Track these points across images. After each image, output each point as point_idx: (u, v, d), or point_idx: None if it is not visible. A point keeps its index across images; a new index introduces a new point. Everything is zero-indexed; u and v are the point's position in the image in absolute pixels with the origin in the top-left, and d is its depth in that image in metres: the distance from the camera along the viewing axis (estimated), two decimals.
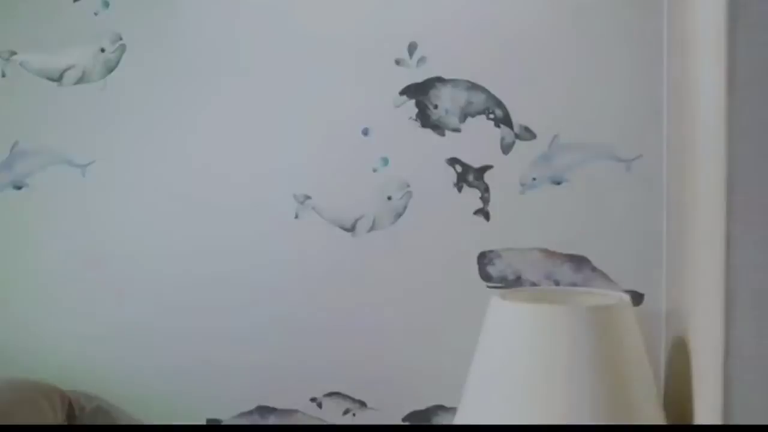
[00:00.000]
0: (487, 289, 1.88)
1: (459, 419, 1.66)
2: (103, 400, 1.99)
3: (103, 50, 1.97)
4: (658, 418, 1.61)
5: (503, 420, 1.58)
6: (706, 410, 1.46)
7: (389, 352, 1.95)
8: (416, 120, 1.92)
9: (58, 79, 1.99)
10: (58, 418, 1.86)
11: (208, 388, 1.98)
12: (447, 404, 1.93)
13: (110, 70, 1.98)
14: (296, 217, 1.95)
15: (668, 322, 1.86)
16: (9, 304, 2.01)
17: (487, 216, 1.91)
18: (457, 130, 1.91)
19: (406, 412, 1.95)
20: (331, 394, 1.96)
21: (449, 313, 1.93)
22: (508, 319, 1.62)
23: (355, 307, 1.95)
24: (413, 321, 1.94)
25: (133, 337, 2.00)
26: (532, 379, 1.58)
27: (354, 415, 1.96)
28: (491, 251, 1.92)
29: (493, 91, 1.89)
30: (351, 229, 1.94)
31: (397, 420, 1.95)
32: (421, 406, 1.95)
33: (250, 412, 1.98)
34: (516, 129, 1.89)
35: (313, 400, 1.97)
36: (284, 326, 1.96)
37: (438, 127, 1.91)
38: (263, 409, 1.97)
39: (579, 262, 1.90)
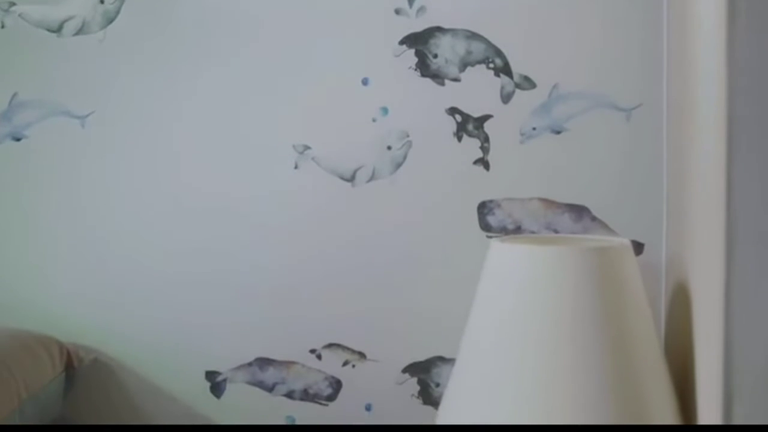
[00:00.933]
0: (487, 239, 1.87)
1: (459, 365, 1.66)
2: (101, 353, 1.99)
3: (102, 1, 1.96)
4: (658, 362, 1.61)
5: (501, 364, 1.58)
6: (707, 356, 1.46)
7: (389, 303, 1.95)
8: (416, 70, 1.91)
9: (58, 30, 1.98)
10: (56, 369, 1.86)
11: (206, 340, 1.98)
12: (446, 355, 1.93)
13: (110, 21, 1.97)
14: (296, 167, 1.95)
15: (668, 271, 1.86)
16: (7, 256, 2.01)
17: (486, 166, 1.91)
18: (456, 79, 1.90)
19: (406, 363, 1.95)
20: (330, 346, 1.96)
21: (449, 264, 1.92)
22: (508, 262, 1.61)
23: (355, 257, 1.95)
24: (413, 271, 1.94)
25: (132, 291, 1.99)
26: (531, 321, 1.58)
27: (353, 366, 1.95)
28: (491, 201, 1.91)
29: (492, 41, 1.89)
30: (351, 179, 1.94)
31: (396, 371, 1.94)
32: (421, 357, 1.95)
33: (249, 364, 1.97)
34: (516, 78, 1.89)
35: (312, 351, 1.96)
36: (283, 277, 1.96)
37: (438, 77, 1.91)
38: (262, 361, 1.97)
39: (579, 211, 1.90)
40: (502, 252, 1.62)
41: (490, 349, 1.61)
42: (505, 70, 1.89)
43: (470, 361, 1.64)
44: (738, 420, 1.35)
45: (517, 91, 1.89)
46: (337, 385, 1.96)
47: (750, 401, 1.35)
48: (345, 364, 1.96)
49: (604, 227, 1.88)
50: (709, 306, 1.43)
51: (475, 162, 1.91)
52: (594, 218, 1.89)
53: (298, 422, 1.97)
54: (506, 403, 1.56)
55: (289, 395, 1.97)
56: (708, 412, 1.46)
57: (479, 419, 1.60)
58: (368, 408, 1.96)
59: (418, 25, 1.91)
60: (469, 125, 1.91)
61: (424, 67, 1.91)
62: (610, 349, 1.55)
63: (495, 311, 1.62)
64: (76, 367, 1.92)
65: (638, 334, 1.59)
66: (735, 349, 1.35)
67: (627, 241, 1.64)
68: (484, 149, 1.91)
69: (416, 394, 1.95)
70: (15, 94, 1.99)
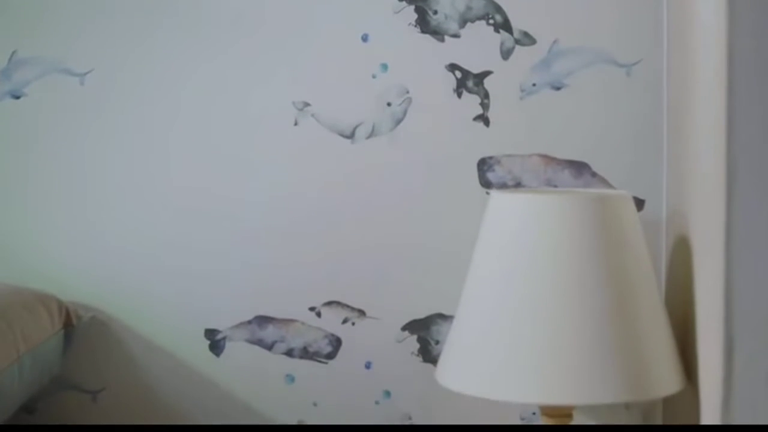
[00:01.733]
0: (487, 195, 1.87)
1: (458, 317, 1.66)
2: (100, 311, 1.99)
3: None
4: (659, 311, 1.61)
5: (501, 314, 1.58)
6: (707, 304, 1.46)
7: (388, 261, 1.94)
8: (415, 26, 1.91)
9: None
10: (55, 326, 1.86)
11: (206, 298, 1.98)
12: (446, 312, 1.93)
13: None
14: (295, 124, 1.94)
15: (669, 226, 1.85)
16: (5, 215, 2.00)
17: (486, 122, 1.91)
18: (456, 35, 1.90)
19: (406, 320, 1.95)
20: (330, 303, 1.96)
21: (449, 220, 1.92)
22: (509, 212, 1.61)
23: (354, 214, 1.94)
24: (412, 228, 1.93)
25: (130, 248, 1.99)
26: (531, 271, 1.57)
27: (353, 324, 1.95)
28: (491, 157, 1.91)
29: None
30: (350, 135, 1.93)
31: (396, 328, 1.94)
32: (421, 314, 1.94)
33: (249, 322, 1.97)
34: (515, 34, 1.89)
35: (312, 309, 1.96)
36: (283, 234, 1.95)
37: (437, 33, 1.90)
38: (261, 319, 1.97)
39: (579, 167, 1.89)
40: (502, 202, 1.62)
41: (490, 299, 1.61)
42: (504, 26, 1.89)
43: (470, 312, 1.64)
44: (738, 365, 1.35)
45: (517, 47, 1.89)
46: (336, 342, 1.96)
47: (750, 347, 1.35)
48: (344, 321, 1.96)
49: (604, 183, 1.88)
50: (709, 256, 1.43)
51: (475, 118, 1.91)
52: (594, 174, 1.89)
53: (298, 380, 1.96)
54: (505, 353, 1.56)
55: (289, 353, 1.97)
56: (709, 359, 1.46)
57: (478, 372, 1.59)
58: (368, 366, 1.95)
59: None
60: (469, 81, 1.90)
61: (423, 24, 1.91)
62: (611, 298, 1.55)
63: (495, 262, 1.61)
64: (75, 325, 1.91)
65: (639, 282, 1.59)
66: (735, 296, 1.36)
67: (627, 193, 1.63)
68: (484, 105, 1.90)
69: (416, 352, 1.95)
70: (14, 52, 1.99)
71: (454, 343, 1.66)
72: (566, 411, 1.67)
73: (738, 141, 1.32)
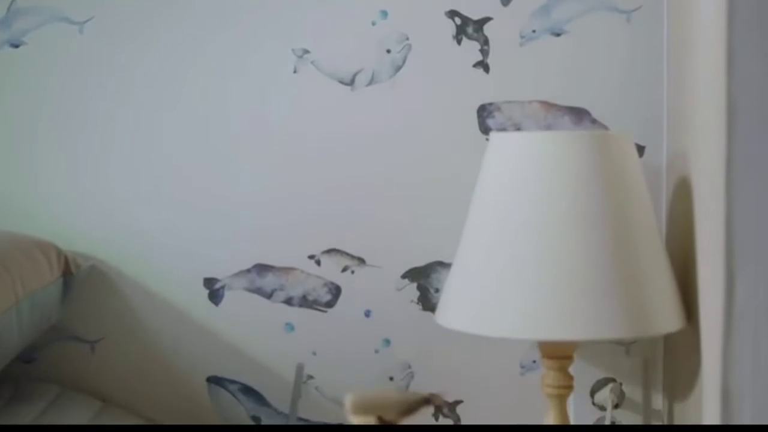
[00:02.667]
0: (487, 142, 1.86)
1: (458, 257, 1.66)
2: (99, 260, 1.98)
3: None
4: (659, 251, 1.61)
5: (499, 254, 1.57)
6: (708, 241, 1.46)
7: (388, 208, 1.94)
8: None
9: None
10: (54, 273, 1.86)
11: (205, 247, 1.97)
12: (446, 260, 1.93)
13: None
14: (295, 71, 1.94)
15: (669, 173, 1.85)
16: (6, 163, 2.00)
17: (486, 68, 1.90)
18: None
19: (405, 268, 1.94)
20: (329, 251, 1.95)
21: (449, 167, 1.92)
22: (508, 151, 1.61)
23: (354, 161, 1.94)
24: (412, 175, 1.93)
25: (130, 197, 1.98)
26: (530, 210, 1.57)
27: (353, 272, 1.95)
28: (491, 104, 1.91)
29: None
30: (350, 83, 1.93)
31: (395, 277, 1.94)
32: (421, 262, 1.94)
33: (248, 271, 1.97)
34: None
35: (311, 257, 1.96)
36: (282, 183, 1.95)
37: None
38: (261, 267, 1.96)
39: (579, 114, 1.89)
40: (502, 142, 1.62)
41: (489, 237, 1.61)
42: None
43: (469, 251, 1.64)
44: (739, 300, 1.35)
45: None
46: (336, 291, 1.96)
47: (750, 280, 1.35)
48: (344, 269, 1.95)
49: (604, 130, 1.88)
50: (710, 194, 1.43)
51: (475, 65, 1.90)
52: (594, 121, 1.88)
53: (297, 329, 1.96)
54: (504, 290, 1.56)
55: (288, 302, 1.96)
56: (709, 297, 1.46)
57: (477, 310, 1.59)
58: (367, 314, 1.95)
59: None
60: (469, 28, 1.90)
61: None
62: (612, 235, 1.55)
63: (495, 200, 1.61)
64: (74, 274, 1.91)
65: (639, 221, 1.59)
66: (735, 229, 1.36)
67: (627, 133, 1.63)
68: (484, 52, 1.90)
69: (415, 300, 1.94)
70: (13, 1, 1.98)
71: (453, 283, 1.65)
72: (567, 353, 1.67)
73: (738, 80, 1.31)
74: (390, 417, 1.33)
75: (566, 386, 1.68)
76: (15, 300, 1.70)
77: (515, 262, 1.56)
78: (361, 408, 1.33)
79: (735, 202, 1.35)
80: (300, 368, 1.79)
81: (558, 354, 1.67)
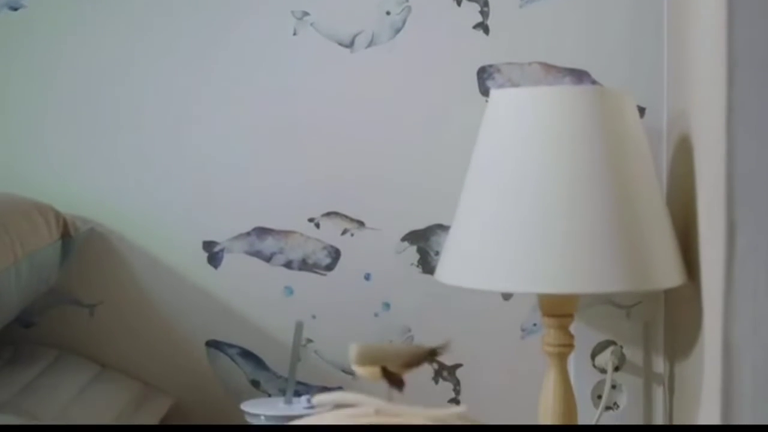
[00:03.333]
0: (486, 103, 1.85)
1: (458, 214, 1.65)
2: (98, 223, 1.98)
3: None
4: (660, 206, 1.60)
5: (498, 207, 1.57)
6: (708, 194, 1.46)
7: (388, 171, 1.94)
8: None
9: None
10: (53, 235, 1.85)
11: (204, 210, 1.96)
12: (446, 223, 1.92)
13: None
14: (294, 34, 1.93)
15: (669, 134, 1.85)
16: (5, 126, 1.99)
17: (486, 30, 1.90)
18: None
19: (405, 231, 1.94)
20: (329, 214, 1.95)
21: (449, 129, 1.91)
22: (508, 107, 1.60)
23: (353, 123, 1.93)
24: (412, 138, 1.93)
25: (129, 159, 1.97)
26: (531, 162, 1.57)
27: (352, 235, 1.94)
28: (491, 65, 1.90)
29: None
30: (349, 45, 1.92)
31: (395, 239, 1.93)
32: (421, 225, 1.93)
33: (247, 234, 1.96)
34: None
35: (311, 220, 1.95)
36: (281, 145, 1.94)
37: None
38: (260, 231, 1.96)
39: (579, 75, 1.88)
40: (502, 98, 1.61)
41: (489, 191, 1.60)
42: None
43: (468, 207, 1.64)
44: (740, 253, 1.35)
45: None
46: (335, 254, 1.95)
47: (751, 231, 1.35)
48: (344, 232, 1.95)
49: None
50: (711, 148, 1.43)
51: (475, 26, 1.90)
52: (594, 82, 1.88)
53: (296, 293, 1.95)
54: (504, 244, 1.56)
55: (288, 265, 1.96)
56: (710, 252, 1.45)
57: (477, 265, 1.59)
58: (367, 277, 1.95)
59: None
60: None
61: None
62: (612, 189, 1.54)
63: (495, 155, 1.61)
64: (73, 236, 1.90)
65: (640, 176, 1.59)
66: (737, 179, 1.35)
67: (628, 91, 1.63)
68: (484, 13, 1.89)
69: (416, 263, 1.94)
70: None
71: (453, 240, 1.65)
72: (567, 310, 1.67)
73: (738, 33, 1.31)
74: (394, 368, 1.32)
75: (567, 344, 1.68)
76: (14, 259, 1.69)
77: (516, 217, 1.56)
78: (365, 358, 1.32)
79: (735, 155, 1.35)
80: (299, 326, 1.78)
81: (558, 312, 1.66)
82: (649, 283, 1.55)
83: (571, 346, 1.68)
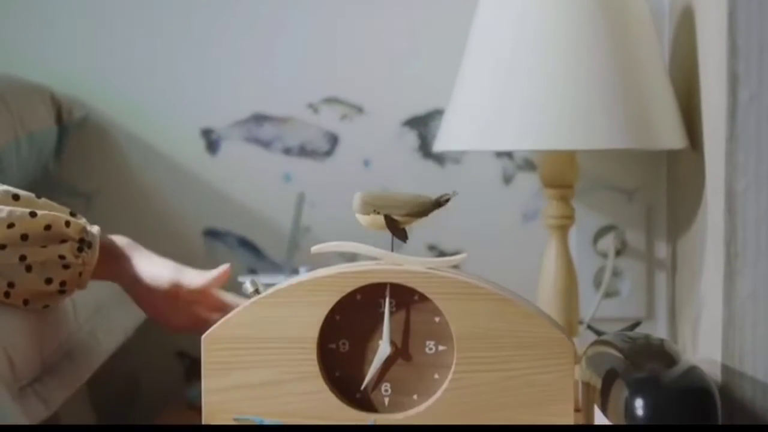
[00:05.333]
0: None
1: (458, 81, 1.64)
2: (93, 109, 1.95)
3: None
4: (661, 70, 1.59)
5: (498, 66, 1.55)
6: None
7: (387, 55, 1.92)
8: None
9: None
10: (50, 117, 1.83)
11: (201, 96, 1.94)
12: (445, 108, 1.89)
13: None
14: None
15: (671, 16, 1.83)
16: (4, 8, 1.96)
17: None
18: None
19: (405, 116, 1.92)
20: (327, 100, 1.92)
21: (448, 9, 1.89)
22: None
23: (350, 7, 1.92)
24: (412, 26, 1.91)
25: (125, 47, 1.95)
26: (529, 25, 1.56)
27: (351, 120, 1.92)
28: None
29: None
30: None
31: (395, 125, 1.91)
32: (420, 111, 1.91)
33: (246, 120, 1.94)
34: None
35: (309, 106, 1.93)
36: (278, 28, 1.92)
37: None
38: (258, 117, 1.94)
39: None
40: None
41: (488, 54, 1.60)
42: None
43: (469, 78, 1.63)
44: (743, 101, 1.34)
45: None
46: (334, 140, 1.93)
47: (754, 87, 1.34)
48: (343, 118, 1.92)
49: None
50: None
51: None
52: None
53: (295, 179, 1.93)
54: (504, 103, 1.55)
55: (286, 152, 1.94)
56: (713, 96, 1.44)
57: (477, 128, 1.58)
58: (366, 164, 1.93)
59: None
60: None
61: None
62: (613, 51, 1.56)
63: (496, 23, 1.60)
64: (68, 121, 1.88)
65: (642, 42, 1.59)
66: (738, 33, 1.35)
67: None
68: None
69: (416, 148, 1.92)
70: None
71: (453, 109, 1.64)
72: (568, 181, 1.66)
73: None
74: (399, 216, 1.30)
75: (568, 216, 1.66)
76: (14, 135, 1.68)
77: (515, 78, 1.55)
78: (369, 206, 1.31)
79: (737, 21, 1.34)
80: (301, 197, 1.76)
81: (559, 182, 1.65)
82: (649, 142, 1.53)
83: (571, 218, 1.67)
